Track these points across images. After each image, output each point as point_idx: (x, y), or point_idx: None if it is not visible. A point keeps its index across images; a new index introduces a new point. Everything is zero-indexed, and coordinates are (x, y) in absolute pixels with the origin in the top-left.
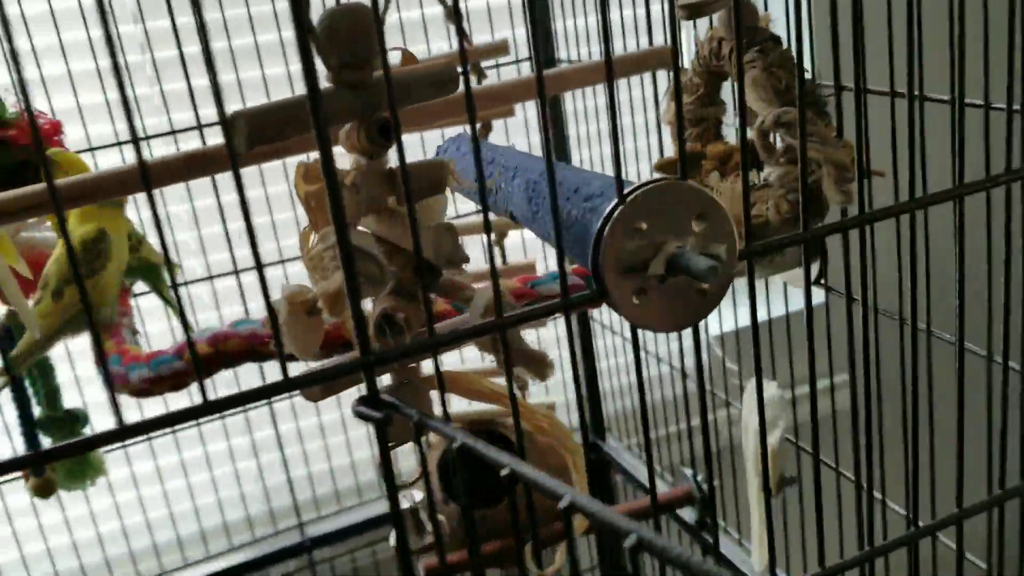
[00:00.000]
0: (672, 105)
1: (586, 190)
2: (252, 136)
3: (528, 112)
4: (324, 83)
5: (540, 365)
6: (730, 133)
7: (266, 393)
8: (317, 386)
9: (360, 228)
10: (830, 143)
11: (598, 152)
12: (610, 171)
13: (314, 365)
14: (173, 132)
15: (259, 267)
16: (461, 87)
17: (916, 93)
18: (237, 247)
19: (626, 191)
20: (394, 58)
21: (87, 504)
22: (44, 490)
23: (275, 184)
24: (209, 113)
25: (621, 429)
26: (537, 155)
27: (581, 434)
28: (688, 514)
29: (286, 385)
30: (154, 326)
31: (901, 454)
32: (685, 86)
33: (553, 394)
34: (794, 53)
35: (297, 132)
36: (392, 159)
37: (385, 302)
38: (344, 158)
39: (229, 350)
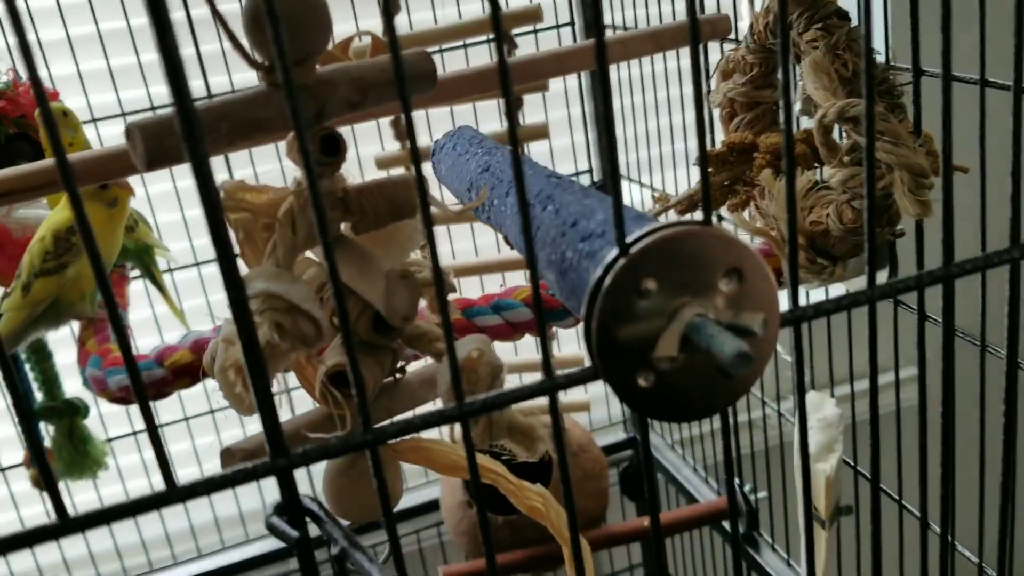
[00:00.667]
0: (722, 85)
1: (585, 226)
2: (152, 154)
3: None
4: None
5: (530, 439)
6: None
7: (146, 506)
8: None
9: (308, 262)
10: (904, 143)
11: (643, 127)
12: (654, 151)
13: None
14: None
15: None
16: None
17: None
18: (261, 163)
19: (629, 238)
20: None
21: (96, 491)
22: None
23: (265, 163)
24: (221, 81)
25: (664, 424)
26: (540, 166)
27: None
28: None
29: (172, 496)
30: (136, 313)
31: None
32: (738, 65)
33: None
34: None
35: (214, 148)
36: (344, 177)
37: (335, 356)
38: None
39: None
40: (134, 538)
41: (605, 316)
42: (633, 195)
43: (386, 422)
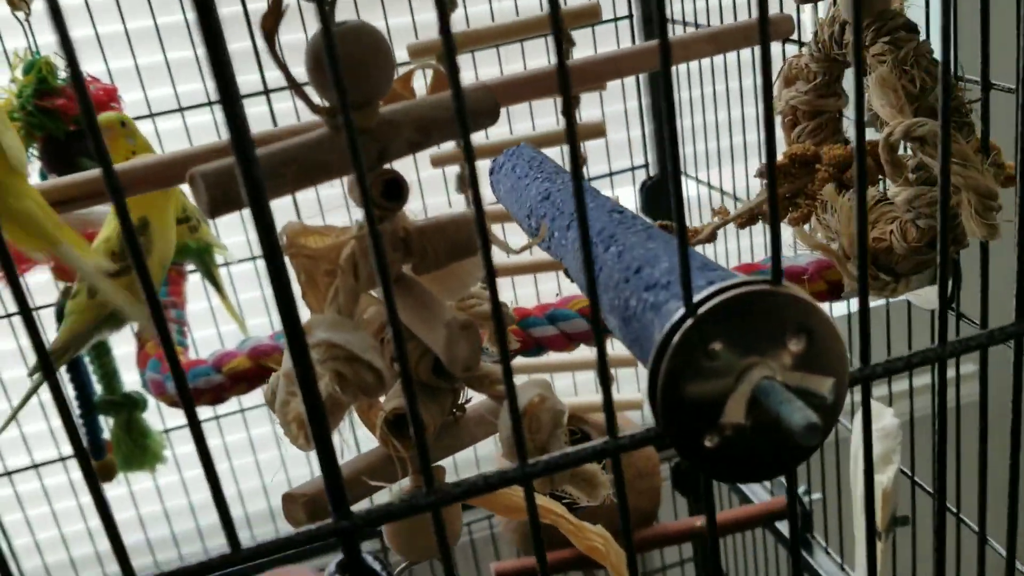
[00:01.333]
0: (784, 92)
1: (649, 274)
2: (215, 201)
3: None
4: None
5: (591, 485)
6: (851, 130)
7: (218, 568)
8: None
9: (369, 299)
10: (972, 164)
11: (700, 120)
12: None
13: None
14: (267, 92)
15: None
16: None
17: None
18: (252, 230)
19: (697, 296)
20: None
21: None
22: (104, 474)
23: (333, 215)
24: (275, 76)
25: None
26: (602, 197)
27: None
28: (787, 528)
29: (236, 558)
30: (200, 332)
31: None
32: (801, 72)
33: (643, 381)
34: (935, 47)
35: (279, 191)
36: (406, 215)
37: (395, 399)
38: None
39: (272, 366)
40: (190, 525)
41: (670, 376)
42: (689, 191)
43: (450, 482)
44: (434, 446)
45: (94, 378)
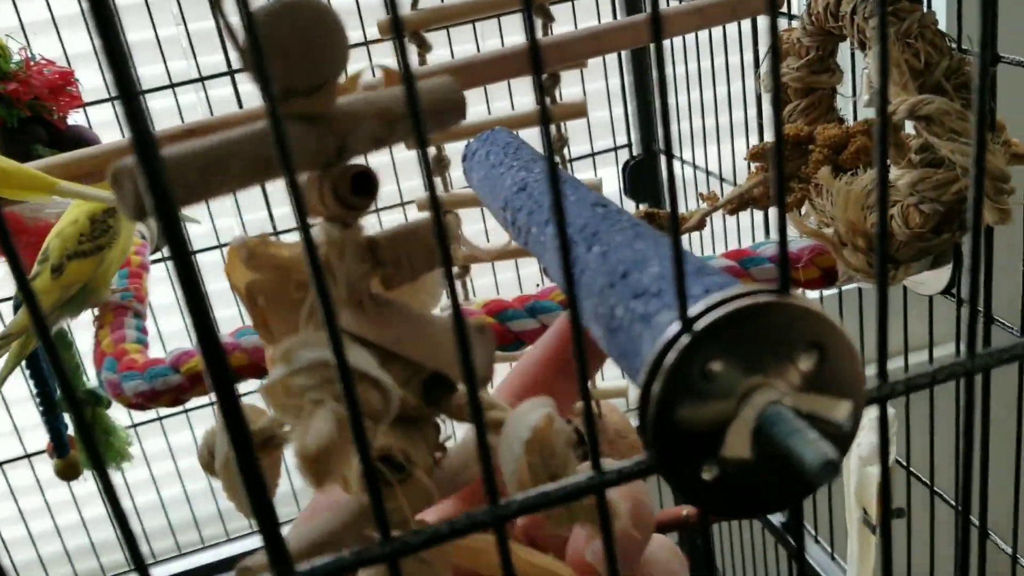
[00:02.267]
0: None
1: (637, 279)
2: (140, 201)
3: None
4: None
5: (588, 512)
6: (846, 108)
7: None
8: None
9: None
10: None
11: (685, 99)
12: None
13: None
14: (201, 79)
15: None
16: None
17: None
18: (247, 211)
19: (694, 309)
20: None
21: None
22: (68, 472)
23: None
24: (214, 61)
25: None
26: (584, 188)
27: None
28: (775, 515)
29: None
30: (166, 325)
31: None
32: (792, 47)
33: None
34: (939, 18)
35: (221, 189)
36: (372, 224)
37: (379, 439)
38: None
39: (232, 365)
40: (136, 528)
41: (663, 400)
42: (674, 171)
43: (409, 532)
44: (418, 494)
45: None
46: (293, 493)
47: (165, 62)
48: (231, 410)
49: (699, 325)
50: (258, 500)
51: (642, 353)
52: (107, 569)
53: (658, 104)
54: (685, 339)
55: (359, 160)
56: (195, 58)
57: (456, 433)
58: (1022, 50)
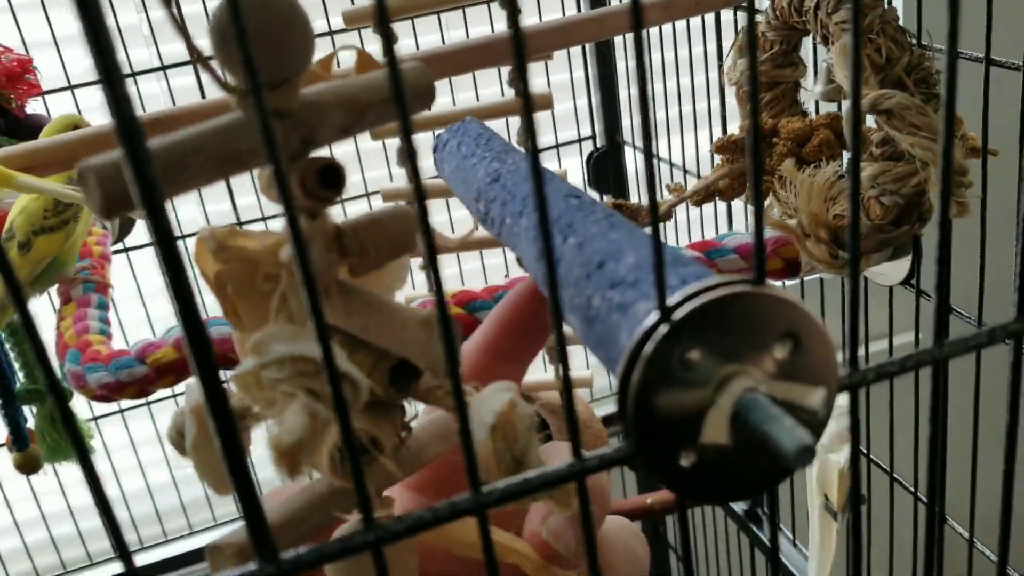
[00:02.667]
0: (740, 63)
1: (614, 269)
2: (108, 200)
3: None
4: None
5: (567, 494)
6: (809, 102)
7: None
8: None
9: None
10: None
11: (648, 90)
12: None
13: None
14: (163, 68)
15: None
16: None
17: None
18: (239, 195)
19: (671, 299)
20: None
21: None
22: (28, 466)
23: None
24: (204, 45)
25: None
26: (557, 180)
27: None
28: (738, 503)
29: None
30: (128, 314)
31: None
32: (756, 41)
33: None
34: (900, 13)
35: (182, 187)
36: (330, 214)
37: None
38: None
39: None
40: (123, 515)
41: (642, 389)
42: (638, 163)
43: (392, 519)
44: (380, 475)
45: (16, 365)
46: (257, 484)
47: (126, 50)
48: (214, 393)
49: (677, 315)
50: (241, 483)
51: (620, 342)
52: (67, 564)
53: (637, 94)
54: (663, 328)
55: (325, 152)
56: (157, 46)
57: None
58: (978, 46)
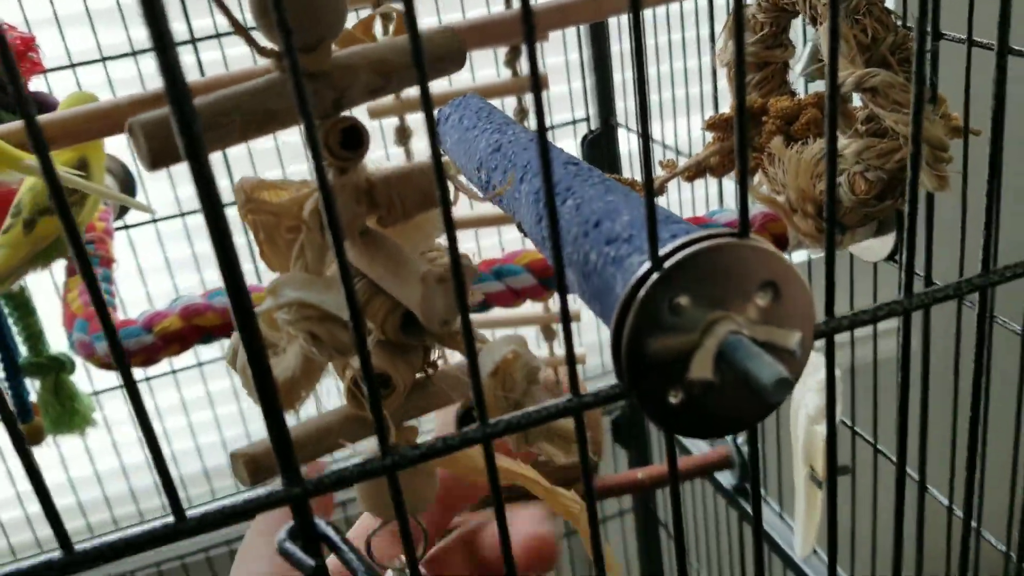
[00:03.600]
0: (731, 44)
1: (609, 227)
2: (156, 154)
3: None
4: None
5: (568, 442)
6: (798, 83)
7: (153, 542)
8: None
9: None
10: (924, 115)
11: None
12: (655, 97)
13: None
14: (193, 41)
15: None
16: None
17: None
18: (238, 174)
19: (663, 248)
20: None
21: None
22: (32, 437)
23: (296, 164)
24: (204, 25)
25: None
26: (557, 149)
27: None
28: (726, 478)
29: (175, 532)
30: (128, 292)
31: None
32: (747, 23)
33: (585, 335)
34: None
35: (224, 142)
36: (367, 166)
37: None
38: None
39: (204, 325)
40: (122, 488)
41: (635, 332)
42: (631, 144)
43: (408, 445)
44: (407, 406)
45: (19, 339)
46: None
47: (127, 29)
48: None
49: (668, 264)
50: (270, 410)
51: (615, 292)
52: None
53: (635, 69)
54: (655, 276)
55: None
56: (188, 21)
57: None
58: (963, 27)
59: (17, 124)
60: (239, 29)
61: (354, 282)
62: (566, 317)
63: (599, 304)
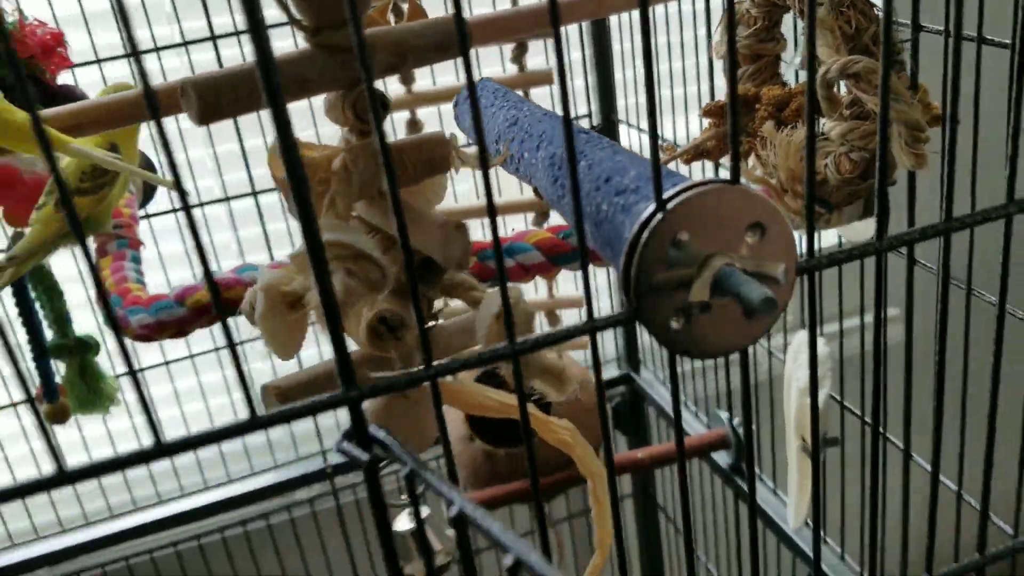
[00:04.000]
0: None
1: (619, 181)
2: (206, 109)
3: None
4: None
5: (559, 381)
6: (788, 73)
7: (232, 433)
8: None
9: (355, 219)
10: (902, 99)
11: (642, 72)
12: (663, 90)
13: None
14: (185, 43)
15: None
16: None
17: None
18: (254, 166)
19: (666, 194)
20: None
21: (104, 424)
22: (58, 416)
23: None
24: (223, 22)
25: (656, 361)
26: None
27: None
28: (722, 458)
29: (251, 425)
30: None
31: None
32: (741, 18)
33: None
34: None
35: (260, 104)
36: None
37: (381, 303)
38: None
39: (232, 299)
40: (142, 470)
41: (642, 265)
42: (632, 141)
43: (443, 360)
44: (414, 353)
45: (45, 323)
46: (245, 451)
47: (150, 26)
48: (321, 262)
49: (671, 205)
50: (333, 327)
51: (624, 234)
52: (88, 516)
53: (642, 60)
54: (660, 216)
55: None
56: (179, 23)
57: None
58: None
59: (61, 109)
60: (282, 5)
61: (372, 236)
62: (584, 252)
63: (610, 249)
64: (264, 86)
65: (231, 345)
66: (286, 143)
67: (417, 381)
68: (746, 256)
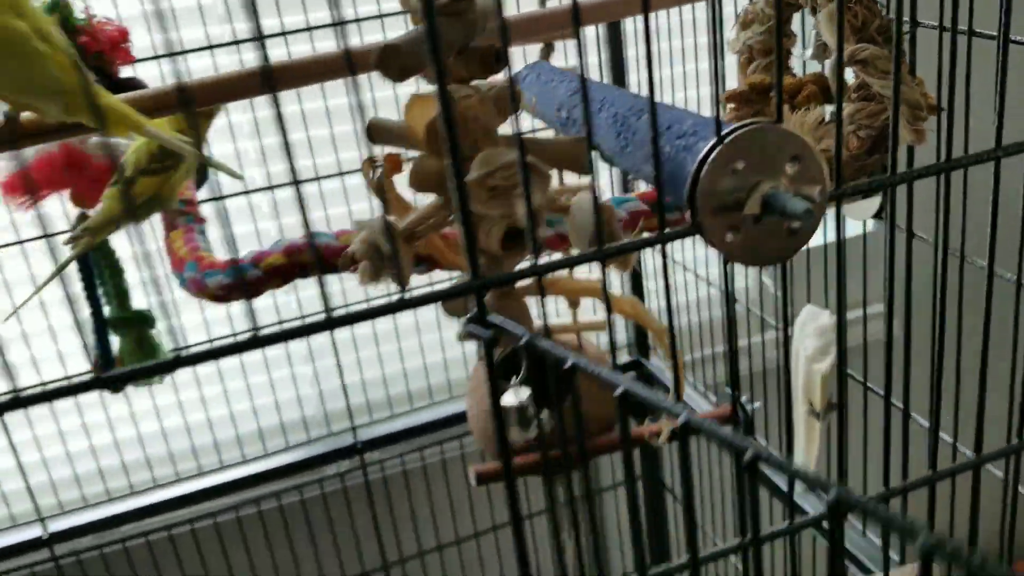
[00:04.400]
0: (742, 34)
1: (679, 128)
2: (405, 68)
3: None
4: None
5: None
6: (796, 65)
7: (388, 310)
8: (456, 300)
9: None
10: (904, 81)
11: (656, 76)
12: (668, 97)
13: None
14: (236, 42)
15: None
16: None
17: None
18: (299, 157)
19: (724, 131)
20: None
21: (152, 399)
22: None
23: (336, 97)
24: (270, 24)
25: (663, 351)
26: (622, 90)
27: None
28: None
29: (400, 305)
30: (240, 228)
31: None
32: (756, 16)
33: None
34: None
35: (422, 64)
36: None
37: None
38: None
39: (304, 261)
40: (184, 444)
41: (705, 188)
42: None
43: (545, 259)
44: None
45: (104, 299)
46: (259, 433)
47: (205, 26)
48: (462, 191)
49: (728, 139)
50: (466, 220)
51: (687, 169)
52: (134, 486)
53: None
54: (720, 147)
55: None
56: (231, 24)
57: None
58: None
59: (140, 93)
60: None
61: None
62: (660, 174)
63: (673, 186)
64: (429, 46)
65: (326, 304)
66: (442, 88)
67: (528, 274)
68: (787, 182)
